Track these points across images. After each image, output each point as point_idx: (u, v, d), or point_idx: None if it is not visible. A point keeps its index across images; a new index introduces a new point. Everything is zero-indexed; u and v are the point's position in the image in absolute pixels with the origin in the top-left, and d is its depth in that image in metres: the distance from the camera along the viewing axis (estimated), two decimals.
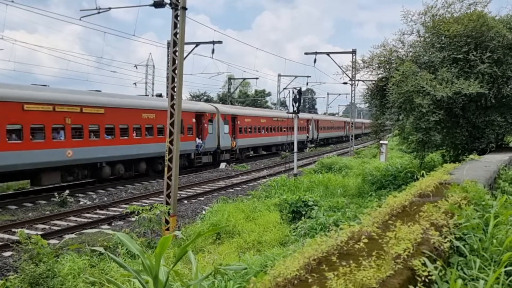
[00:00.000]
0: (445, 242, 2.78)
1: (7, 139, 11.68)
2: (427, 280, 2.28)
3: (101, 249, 2.48)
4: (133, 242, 2.46)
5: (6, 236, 9.39)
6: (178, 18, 8.68)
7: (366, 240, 2.39)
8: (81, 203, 13.21)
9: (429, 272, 2.31)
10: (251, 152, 26.56)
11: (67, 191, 12.64)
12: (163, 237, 2.30)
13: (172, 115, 8.83)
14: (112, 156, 14.88)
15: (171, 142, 8.89)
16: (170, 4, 8.73)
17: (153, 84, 41.00)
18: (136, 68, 36.17)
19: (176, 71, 8.72)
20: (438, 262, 2.50)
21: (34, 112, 12.32)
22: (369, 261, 2.11)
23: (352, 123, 29.07)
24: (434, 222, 3.06)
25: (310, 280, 1.84)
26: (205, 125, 20.32)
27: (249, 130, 24.99)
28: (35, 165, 12.47)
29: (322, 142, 39.31)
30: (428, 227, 2.89)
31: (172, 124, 8.83)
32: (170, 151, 8.91)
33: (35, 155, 12.32)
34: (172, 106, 8.82)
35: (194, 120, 19.48)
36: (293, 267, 1.89)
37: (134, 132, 16.13)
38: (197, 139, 19.67)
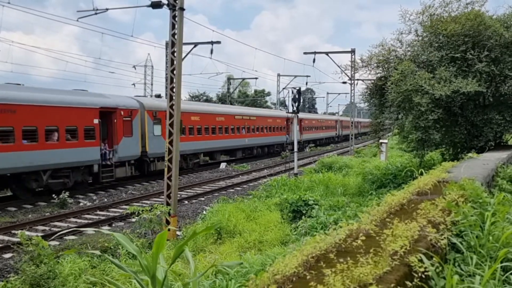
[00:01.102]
0: (442, 239, 2.81)
1: (232, 133, 23.96)
2: (423, 276, 2.31)
3: (97, 252, 2.50)
4: (130, 243, 2.49)
5: (6, 238, 9.40)
6: (176, 19, 8.71)
7: (363, 238, 2.43)
8: (81, 204, 13.23)
9: (425, 268, 2.34)
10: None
11: (67, 193, 12.66)
12: (158, 235, 2.29)
13: (171, 115, 8.85)
14: (257, 143, 27.45)
15: (170, 143, 8.91)
16: (168, 5, 8.76)
17: (152, 84, 40.97)
18: (135, 68, 36.12)
19: (174, 72, 8.75)
20: (434, 259, 2.53)
21: (238, 120, 24.80)
22: (367, 258, 2.14)
23: (352, 123, 29.34)
24: (431, 219, 3.09)
25: (308, 277, 1.87)
26: (290, 125, 31.18)
27: (307, 128, 37.02)
28: (235, 147, 24.70)
29: (344, 137, 50.33)
30: (425, 224, 2.92)
31: (171, 125, 8.84)
32: (170, 151, 8.93)
33: (235, 141, 24.36)
34: (171, 106, 8.84)
35: (285, 122, 31.50)
36: (292, 264, 1.92)
37: (264, 130, 28.32)
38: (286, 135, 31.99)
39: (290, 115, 31.15)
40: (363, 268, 1.97)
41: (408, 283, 2.14)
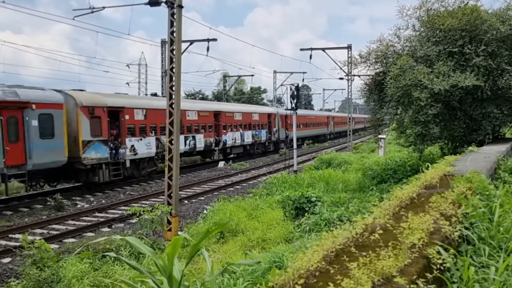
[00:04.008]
0: (456, 231, 2.82)
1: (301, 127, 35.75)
2: (442, 268, 2.31)
3: (113, 254, 2.47)
4: (144, 245, 2.45)
5: (3, 242, 9.24)
6: (175, 16, 8.62)
7: (381, 231, 2.42)
8: (78, 206, 13.07)
9: (443, 260, 2.34)
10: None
11: (58, 194, 12.46)
12: (175, 237, 2.30)
13: (171, 114, 8.76)
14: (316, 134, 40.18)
15: (171, 142, 8.82)
16: (166, 3, 8.66)
17: (146, 83, 40.60)
18: (129, 67, 35.63)
19: (174, 70, 8.66)
20: (450, 251, 2.53)
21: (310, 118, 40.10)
22: (387, 251, 2.13)
23: (350, 119, 29.39)
24: (443, 212, 3.09)
25: (332, 271, 1.85)
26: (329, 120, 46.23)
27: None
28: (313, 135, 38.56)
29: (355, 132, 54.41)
30: (438, 217, 2.93)
31: (171, 124, 8.76)
32: (170, 150, 8.85)
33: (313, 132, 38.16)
34: (171, 105, 8.75)
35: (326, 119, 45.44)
36: (314, 259, 1.90)
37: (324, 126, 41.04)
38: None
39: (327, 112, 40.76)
40: (385, 261, 1.96)
41: (428, 274, 2.14)
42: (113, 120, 14.98)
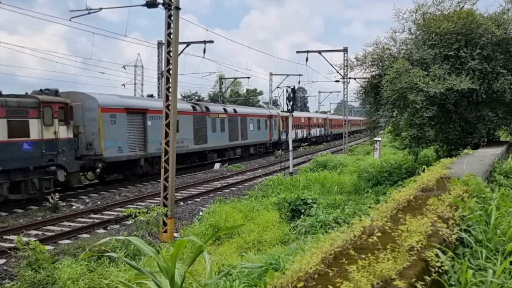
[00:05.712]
0: (453, 234, 2.83)
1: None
2: (440, 271, 2.32)
3: (114, 254, 2.44)
4: (147, 245, 2.42)
5: None
6: (172, 18, 8.60)
7: (379, 234, 2.42)
8: (73, 207, 12.96)
9: (441, 263, 2.35)
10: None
11: (57, 195, 12.41)
12: (180, 240, 2.29)
13: (167, 115, 8.73)
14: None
15: (167, 144, 8.78)
16: (163, 4, 8.64)
17: (142, 85, 40.47)
18: (125, 69, 35.57)
19: (170, 71, 8.63)
20: (448, 254, 2.54)
21: (338, 120, 54.91)
22: (385, 254, 2.13)
23: (346, 121, 29.77)
24: (441, 215, 3.10)
25: (331, 274, 1.85)
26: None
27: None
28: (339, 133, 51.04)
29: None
30: (435, 219, 2.94)
31: (167, 125, 8.72)
32: (166, 152, 8.80)
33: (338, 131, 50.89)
34: (167, 106, 8.72)
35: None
36: (313, 261, 1.89)
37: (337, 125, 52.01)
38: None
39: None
40: (384, 264, 1.96)
41: (426, 277, 2.14)
42: (284, 121, 31.19)
